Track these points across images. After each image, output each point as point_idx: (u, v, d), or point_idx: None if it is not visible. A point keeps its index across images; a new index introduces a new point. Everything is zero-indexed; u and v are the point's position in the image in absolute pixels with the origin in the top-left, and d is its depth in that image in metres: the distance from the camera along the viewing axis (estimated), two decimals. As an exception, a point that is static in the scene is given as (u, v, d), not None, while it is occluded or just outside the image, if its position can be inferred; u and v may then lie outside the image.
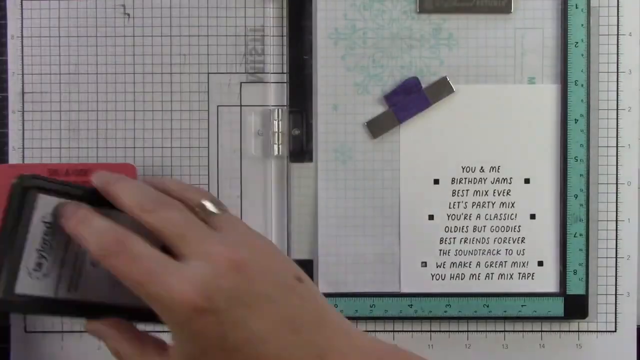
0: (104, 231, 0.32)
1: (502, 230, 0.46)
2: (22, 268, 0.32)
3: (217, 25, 0.46)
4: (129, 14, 0.46)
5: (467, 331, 0.46)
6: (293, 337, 0.31)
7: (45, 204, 0.33)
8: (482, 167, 0.46)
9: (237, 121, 0.46)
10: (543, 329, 0.46)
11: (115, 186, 0.34)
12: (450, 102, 0.46)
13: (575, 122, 0.45)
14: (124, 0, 0.46)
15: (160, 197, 0.33)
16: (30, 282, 0.33)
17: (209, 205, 0.34)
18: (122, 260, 0.31)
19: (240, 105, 0.46)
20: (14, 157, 0.46)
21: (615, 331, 0.46)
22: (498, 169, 0.46)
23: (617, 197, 0.46)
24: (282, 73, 0.46)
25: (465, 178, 0.46)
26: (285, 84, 0.46)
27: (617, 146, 0.46)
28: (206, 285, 0.30)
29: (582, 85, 0.45)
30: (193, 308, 0.30)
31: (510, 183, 0.46)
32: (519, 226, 0.46)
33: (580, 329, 0.46)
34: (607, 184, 0.46)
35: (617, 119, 0.46)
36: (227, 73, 0.46)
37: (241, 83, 0.46)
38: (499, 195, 0.46)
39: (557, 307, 0.46)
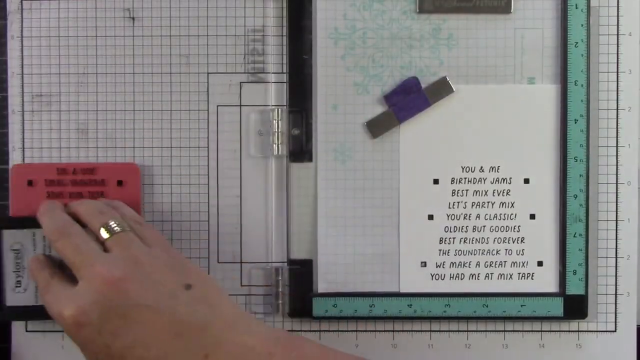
0: (57, 220, 0.40)
1: (502, 230, 0.46)
2: (7, 287, 0.44)
3: (217, 25, 0.46)
4: (134, 18, 0.46)
5: (467, 331, 0.46)
6: (176, 341, 0.35)
7: (9, 236, 0.44)
8: (481, 167, 0.46)
9: (237, 121, 0.46)
10: (543, 329, 0.46)
11: (40, 217, 0.41)
12: (449, 102, 0.46)
13: (575, 122, 0.45)
14: (129, 4, 0.46)
15: (65, 226, 0.40)
16: (15, 296, 0.44)
17: (102, 232, 0.39)
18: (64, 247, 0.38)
19: (240, 105, 0.46)
20: (14, 157, 0.46)
21: (615, 331, 0.46)
22: (498, 169, 0.46)
23: (617, 197, 0.46)
24: (282, 73, 0.46)
25: (465, 178, 0.46)
26: (285, 84, 0.46)
27: (617, 146, 0.46)
28: (82, 303, 0.35)
29: (582, 86, 0.45)
30: (73, 322, 0.35)
31: (509, 183, 0.46)
32: (519, 226, 0.46)
33: (580, 329, 0.46)
34: (607, 183, 0.46)
35: (617, 118, 0.46)
36: (227, 73, 0.46)
37: (241, 83, 0.46)
38: (498, 195, 0.46)
39: (556, 307, 0.46)
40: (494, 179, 0.46)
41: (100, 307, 0.35)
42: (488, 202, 0.46)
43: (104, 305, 0.35)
